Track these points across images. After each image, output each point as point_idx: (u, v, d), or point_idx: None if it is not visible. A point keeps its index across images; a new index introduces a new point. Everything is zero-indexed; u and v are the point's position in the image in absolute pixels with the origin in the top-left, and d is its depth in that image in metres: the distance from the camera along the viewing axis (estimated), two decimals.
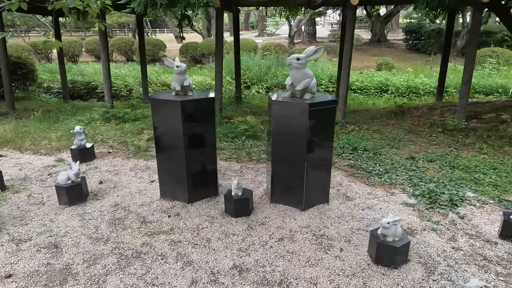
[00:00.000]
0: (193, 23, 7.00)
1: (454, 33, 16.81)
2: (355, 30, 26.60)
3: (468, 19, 16.50)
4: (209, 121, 3.43)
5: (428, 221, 3.25)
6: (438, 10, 7.64)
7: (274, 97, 3.34)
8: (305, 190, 3.33)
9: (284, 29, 34.79)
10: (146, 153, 5.10)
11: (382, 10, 24.31)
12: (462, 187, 3.95)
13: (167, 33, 38.67)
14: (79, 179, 3.59)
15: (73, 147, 4.72)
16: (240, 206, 3.28)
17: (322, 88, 10.54)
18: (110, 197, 3.74)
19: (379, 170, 4.45)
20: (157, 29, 40.69)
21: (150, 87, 10.82)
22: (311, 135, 3.17)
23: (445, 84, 10.47)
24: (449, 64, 13.00)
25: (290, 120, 3.18)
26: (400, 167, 4.57)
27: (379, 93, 10.30)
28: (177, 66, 3.29)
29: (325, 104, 3.18)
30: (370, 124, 6.77)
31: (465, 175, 4.26)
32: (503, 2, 5.23)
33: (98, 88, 11.19)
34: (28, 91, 10.45)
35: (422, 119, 6.95)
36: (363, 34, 27.38)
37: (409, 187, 3.98)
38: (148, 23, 31.95)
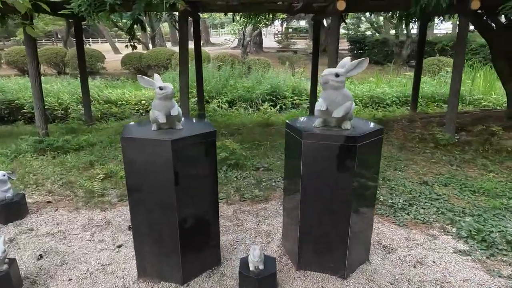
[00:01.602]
0: (135, 31, 5.93)
1: (399, 43, 17.50)
2: (299, 41, 26.70)
3: (413, 30, 17.24)
4: (210, 164, 2.40)
5: (499, 276, 2.56)
6: (411, 18, 7.40)
7: (297, 124, 2.42)
8: (348, 250, 2.44)
9: (222, 39, 34.16)
10: (103, 199, 3.84)
11: (327, 21, 24.81)
12: (502, 219, 3.38)
13: (101, 43, 35.83)
14: (4, 266, 2.30)
15: None
16: (265, 286, 2.28)
17: (288, 101, 9.87)
18: (57, 284, 2.49)
19: (400, 202, 3.75)
20: (90, 39, 37.53)
21: (91, 104, 9.25)
22: (359, 177, 2.31)
23: (406, 94, 10.54)
24: (401, 73, 13.31)
25: (330, 160, 2.28)
26: (419, 196, 3.92)
27: None
28: (161, 88, 2.23)
29: (374, 135, 2.35)
30: None
31: (493, 202, 3.74)
32: (497, 10, 4.96)
33: (25, 108, 9.30)
34: None
35: (406, 132, 6.54)
36: (302, 44, 27.83)
37: (447, 224, 3.31)
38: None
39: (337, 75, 2.24)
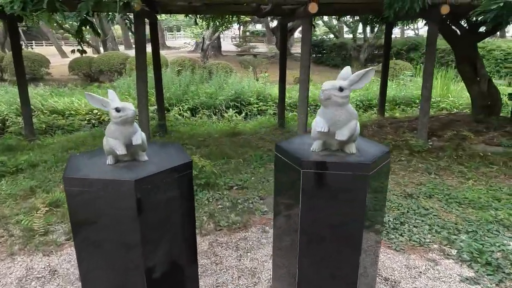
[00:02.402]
0: (83, 34, 5.19)
1: (358, 47, 17.88)
2: (257, 44, 26.59)
3: (368, 33, 17.68)
4: (187, 202, 1.89)
5: None
6: (375, 23, 7.34)
7: (291, 148, 1.99)
8: None
9: (180, 43, 33.10)
10: (46, 239, 3.13)
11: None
12: (497, 235, 3.20)
13: (46, 46, 33.20)
14: None
15: None
16: None
17: (254, 108, 9.48)
18: None
19: (390, 221, 3.46)
20: (33, 42, 34.66)
21: (34, 116, 8.19)
22: (370, 210, 1.92)
23: (369, 98, 10.60)
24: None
25: (337, 192, 1.87)
26: (408, 212, 3.67)
27: (314, 109, 9.73)
28: (118, 110, 1.68)
29: (385, 159, 1.98)
30: None
31: (482, 214, 3.58)
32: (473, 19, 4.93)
33: None
34: None
35: (377, 138, 6.39)
36: (262, 47, 27.77)
37: (445, 245, 3.06)
38: (22, 34, 26.73)
39: (341, 89, 1.84)
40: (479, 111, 6.44)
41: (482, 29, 6.75)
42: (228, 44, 33.80)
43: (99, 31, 5.71)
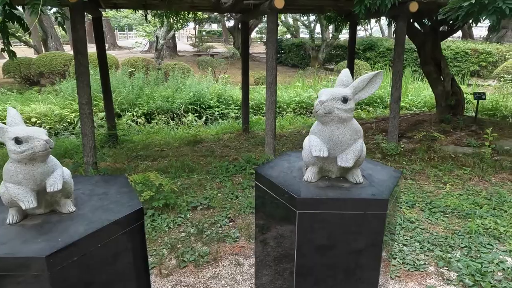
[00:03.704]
0: (8, 32, 4.39)
1: (316, 47, 17.89)
2: (214, 44, 26.06)
3: (328, 34, 17.75)
4: (138, 270, 1.31)
5: None
6: (339, 22, 7.09)
7: (276, 176, 1.50)
8: None
9: (132, 42, 31.41)
10: None
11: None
12: (490, 249, 2.95)
13: None
14: None
15: None
16: None
17: (215, 111, 8.89)
18: None
19: None
20: None
21: None
22: (384, 249, 1.48)
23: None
24: (323, 76, 13.36)
25: (345, 234, 1.40)
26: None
27: (278, 111, 9.36)
28: (19, 141, 1.08)
29: (396, 185, 1.54)
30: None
31: (469, 224, 3.34)
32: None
33: None
34: None
35: None
36: (219, 48, 27.14)
37: (442, 267, 2.73)
38: None
39: (345, 100, 1.38)
40: (444, 110, 6.40)
41: (443, 28, 6.74)
42: (183, 44, 32.70)
43: (38, 28, 4.78)
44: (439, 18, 6.14)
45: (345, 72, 1.56)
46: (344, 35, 21.01)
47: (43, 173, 1.14)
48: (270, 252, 1.66)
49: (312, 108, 9.84)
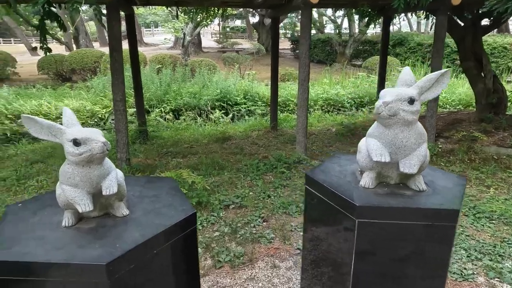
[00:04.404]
0: (46, 29, 4.54)
1: (343, 42, 17.51)
2: (238, 40, 26.04)
3: (356, 29, 17.34)
4: (190, 275, 1.27)
5: None
6: (372, 17, 6.86)
7: (329, 181, 1.41)
8: None
9: (160, 39, 31.91)
10: None
11: (267, 20, 24.31)
12: None
13: (15, 43, 31.32)
14: None
15: None
16: None
17: (242, 108, 8.84)
18: None
19: None
20: (0, 39, 32.67)
21: None
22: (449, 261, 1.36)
23: (360, 95, 10.15)
24: (352, 73, 13.03)
25: (408, 247, 1.30)
26: None
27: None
28: (77, 143, 1.04)
29: (463, 191, 1.42)
30: (332, 155, 5.35)
31: None
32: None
33: None
34: None
35: None
36: (244, 44, 27.05)
37: (492, 278, 2.57)
38: None
39: (411, 101, 1.27)
40: (485, 109, 6.06)
41: (484, 21, 6.38)
42: (207, 40, 32.91)
43: (70, 25, 4.91)
44: (480, 12, 5.81)
45: (407, 70, 1.45)
46: (371, 30, 20.47)
47: (99, 175, 1.12)
48: (321, 259, 1.58)
49: (340, 105, 9.62)
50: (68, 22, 16.85)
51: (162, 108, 8.86)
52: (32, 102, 8.82)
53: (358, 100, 9.96)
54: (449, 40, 11.79)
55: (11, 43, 32.16)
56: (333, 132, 6.62)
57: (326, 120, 8.00)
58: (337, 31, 18.01)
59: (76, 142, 1.07)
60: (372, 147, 1.35)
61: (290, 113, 8.66)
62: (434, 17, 5.66)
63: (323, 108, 9.20)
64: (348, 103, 9.59)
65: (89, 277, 0.96)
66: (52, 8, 4.00)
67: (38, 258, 0.97)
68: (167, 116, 8.42)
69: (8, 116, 8.15)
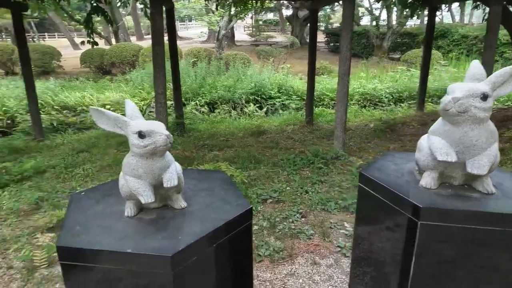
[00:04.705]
0: (93, 24, 4.74)
1: (381, 34, 16.91)
2: (272, 33, 25.74)
3: (393, 20, 16.68)
4: (244, 270, 1.26)
5: None
6: (416, 8, 6.55)
7: (387, 180, 1.35)
8: None
9: (194, 32, 32.34)
10: (51, 273, 2.58)
11: (301, 13, 23.91)
12: None
13: (58, 37, 32.94)
14: None
15: None
16: None
17: (276, 102, 8.79)
18: None
19: None
20: (46, 34, 34.47)
21: (43, 112, 7.73)
22: None
23: (399, 90, 9.76)
24: (399, 67, 12.54)
25: (477, 253, 1.23)
26: None
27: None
28: (142, 135, 1.06)
29: None
30: (370, 151, 5.21)
31: None
32: None
33: None
34: None
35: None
36: (278, 37, 26.78)
37: None
38: (34, 26, 26.49)
39: (484, 97, 1.18)
40: None
41: None
42: (240, 33, 32.93)
43: (113, 20, 5.08)
44: None
45: (477, 64, 1.35)
46: (410, 22, 19.56)
47: (161, 167, 1.13)
48: (374, 260, 1.53)
49: (377, 100, 9.32)
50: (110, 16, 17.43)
51: (197, 101, 9.00)
52: (75, 94, 9.26)
53: (397, 95, 9.60)
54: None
55: (55, 37, 33.85)
56: (371, 128, 6.43)
57: (363, 115, 7.78)
58: (375, 23, 17.38)
59: (141, 135, 1.09)
60: (436, 145, 1.27)
61: (325, 108, 8.51)
62: (485, 7, 5.31)
63: (359, 102, 8.95)
64: (386, 98, 9.26)
65: (153, 267, 0.98)
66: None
67: (107, 247, 1.00)
68: (202, 109, 8.54)
69: (55, 107, 8.61)
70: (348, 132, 6.25)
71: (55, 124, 7.45)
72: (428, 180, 1.34)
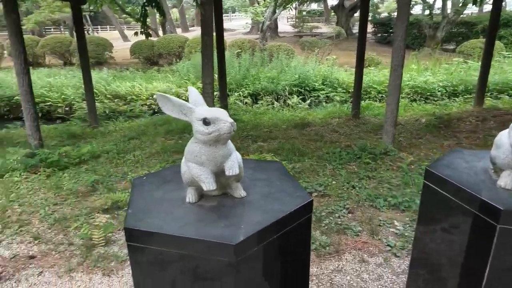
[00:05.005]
0: (147, 15, 4.92)
1: (434, 24, 15.89)
2: (316, 24, 25.17)
3: (448, 9, 15.59)
4: (302, 264, 1.23)
5: None
6: None
7: (457, 178, 1.25)
8: None
9: (237, 24, 32.47)
10: (107, 252, 2.73)
11: (347, 2, 23.09)
12: None
13: (110, 30, 34.66)
14: None
15: None
16: None
17: (321, 94, 8.61)
18: None
19: None
20: (99, 27, 36.42)
21: (97, 100, 8.19)
22: None
23: (454, 84, 9.12)
24: (455, 59, 11.72)
25: None
26: None
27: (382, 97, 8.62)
28: (207, 122, 1.05)
29: None
30: (422, 148, 4.92)
31: None
32: None
33: None
34: None
35: (480, 135, 5.26)
36: (323, 28, 26.09)
37: None
38: (89, 19, 28.06)
39: None
40: None
41: None
42: (283, 24, 32.54)
43: (163, 12, 5.23)
44: None
45: None
46: (466, 10, 18.16)
47: (224, 155, 1.13)
48: (439, 263, 1.43)
49: (429, 94, 8.79)
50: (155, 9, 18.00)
51: (240, 92, 9.07)
52: (126, 84, 9.72)
53: (451, 88, 9.01)
54: None
55: (107, 30, 35.67)
56: (422, 123, 6.08)
57: (413, 109, 7.39)
58: (428, 12, 16.35)
59: (206, 122, 1.08)
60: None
61: (372, 101, 8.19)
62: None
63: (409, 96, 8.51)
64: (439, 91, 8.72)
65: (216, 254, 0.98)
66: None
67: (172, 232, 1.02)
68: (246, 100, 8.59)
69: (107, 96, 9.09)
70: (398, 127, 5.95)
71: (107, 112, 7.88)
72: (507, 180, 1.21)
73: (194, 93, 1.21)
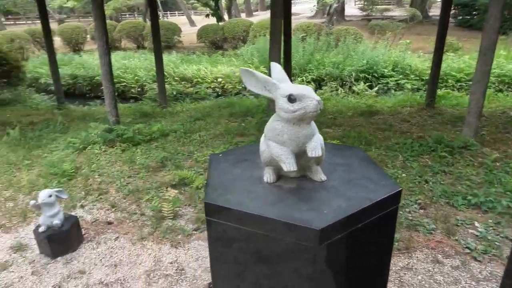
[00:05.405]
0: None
1: None
2: (388, 7, 23.42)
3: None
4: (384, 257, 1.14)
5: None
6: None
7: None
8: None
9: (301, 8, 31.65)
10: (174, 225, 2.87)
11: None
12: None
13: (178, 15, 36.09)
14: None
15: (40, 229, 2.51)
16: None
17: (391, 81, 8.07)
18: None
19: None
20: (168, 12, 38.12)
21: (166, 82, 8.61)
22: None
23: (508, 74, 7.93)
24: None
25: None
26: None
27: (467, 85, 7.79)
28: (292, 99, 1.01)
29: None
30: (510, 143, 4.37)
31: None
32: None
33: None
34: (18, 91, 8.34)
35: None
36: (395, 11, 24.26)
37: None
38: (160, 5, 29.48)
39: None
40: None
41: None
42: (350, 8, 30.98)
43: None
44: None
45: None
46: None
47: (306, 136, 1.07)
48: None
49: None
50: None
51: (304, 77, 8.88)
52: (192, 67, 10.06)
53: (506, 80, 7.88)
54: None
55: (175, 15, 37.20)
56: (510, 116, 5.41)
57: (500, 100, 6.59)
58: None
59: (291, 99, 1.03)
60: None
61: (450, 90, 7.47)
62: None
63: (495, 85, 7.60)
64: (493, 83, 7.66)
65: (299, 238, 0.94)
66: None
67: (253, 211, 1.00)
68: (310, 85, 8.39)
69: (175, 78, 9.52)
70: (481, 119, 5.37)
71: (175, 93, 8.25)
72: None
73: (277, 69, 1.15)
